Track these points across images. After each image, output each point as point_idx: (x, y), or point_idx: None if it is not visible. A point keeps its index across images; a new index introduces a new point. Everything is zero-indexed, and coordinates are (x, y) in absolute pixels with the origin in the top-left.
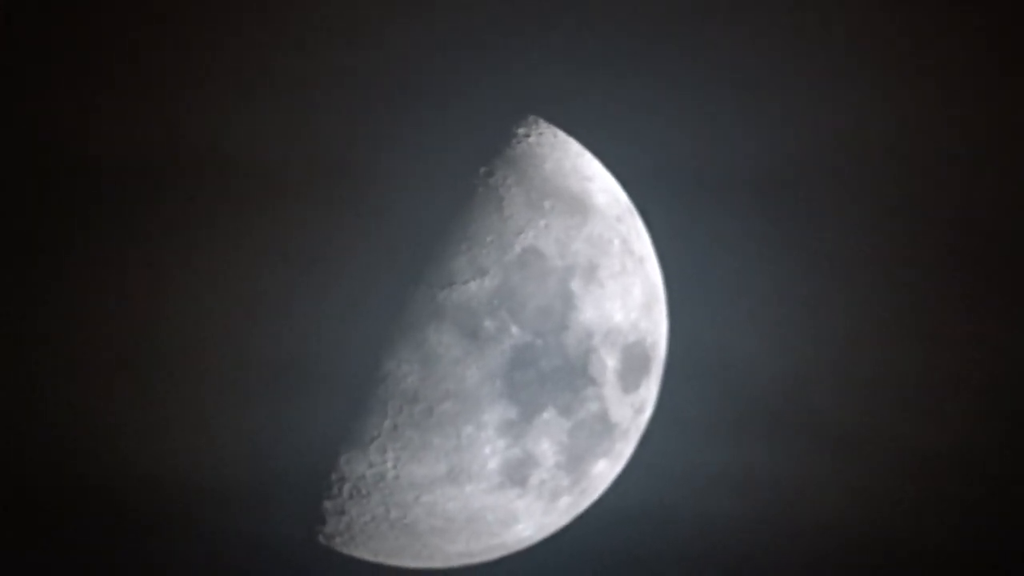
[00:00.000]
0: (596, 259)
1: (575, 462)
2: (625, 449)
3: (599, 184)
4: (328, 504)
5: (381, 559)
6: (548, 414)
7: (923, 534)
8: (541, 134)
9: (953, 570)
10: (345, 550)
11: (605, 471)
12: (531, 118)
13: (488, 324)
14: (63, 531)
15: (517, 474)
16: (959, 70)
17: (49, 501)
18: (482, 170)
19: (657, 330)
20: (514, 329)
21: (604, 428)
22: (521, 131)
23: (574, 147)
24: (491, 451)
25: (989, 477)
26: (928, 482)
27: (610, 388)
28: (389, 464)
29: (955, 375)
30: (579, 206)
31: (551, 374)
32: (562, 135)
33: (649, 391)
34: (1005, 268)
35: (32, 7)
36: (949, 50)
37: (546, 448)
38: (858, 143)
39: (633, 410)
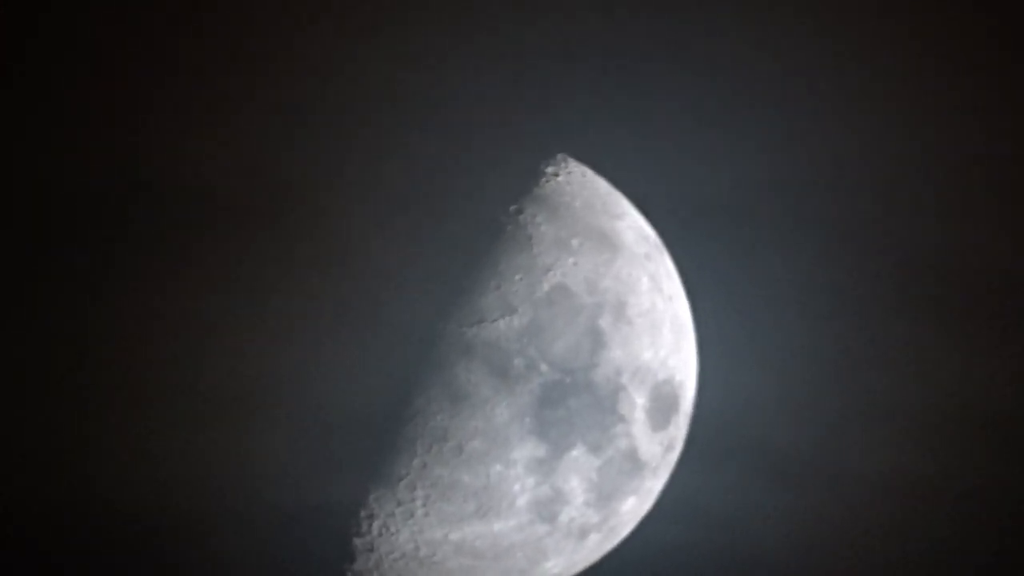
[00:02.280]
0: (625, 297)
1: (604, 500)
2: (655, 487)
3: (628, 222)
4: (358, 541)
5: None
6: (577, 451)
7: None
8: (570, 172)
9: None
10: None
11: (634, 508)
12: (560, 156)
13: (517, 362)
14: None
15: (546, 511)
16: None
17: (55, 520)
18: (512, 208)
19: (686, 368)
20: (543, 367)
21: (633, 466)
22: (550, 170)
23: (603, 185)
24: (520, 488)
25: (927, 501)
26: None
27: (639, 426)
28: (418, 502)
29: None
30: (608, 244)
31: (580, 412)
32: (591, 173)
33: (679, 429)
34: (946, 296)
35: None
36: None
37: (575, 485)
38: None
39: (663, 448)
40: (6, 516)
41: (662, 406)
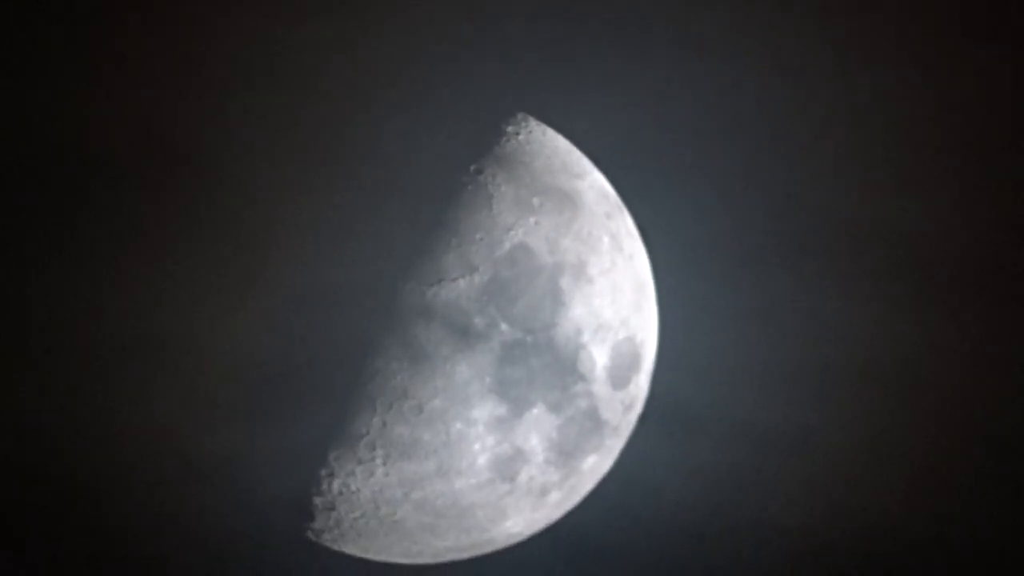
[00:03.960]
0: (586, 256)
1: (564, 458)
2: (615, 445)
3: (588, 181)
4: (318, 500)
5: (370, 555)
6: (537, 410)
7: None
8: (531, 132)
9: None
10: (334, 546)
11: (595, 467)
12: (520, 115)
13: (478, 321)
14: (45, 526)
15: (506, 470)
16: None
17: (38, 498)
18: (472, 168)
19: (647, 327)
20: (503, 326)
21: (594, 425)
22: (511, 129)
23: (563, 144)
24: (480, 447)
25: (829, 456)
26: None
27: (600, 385)
28: (379, 461)
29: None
30: (568, 203)
31: (540, 371)
32: (551, 132)
33: (639, 388)
34: (850, 260)
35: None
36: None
37: (535, 444)
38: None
39: (623, 407)
40: None
41: (623, 365)
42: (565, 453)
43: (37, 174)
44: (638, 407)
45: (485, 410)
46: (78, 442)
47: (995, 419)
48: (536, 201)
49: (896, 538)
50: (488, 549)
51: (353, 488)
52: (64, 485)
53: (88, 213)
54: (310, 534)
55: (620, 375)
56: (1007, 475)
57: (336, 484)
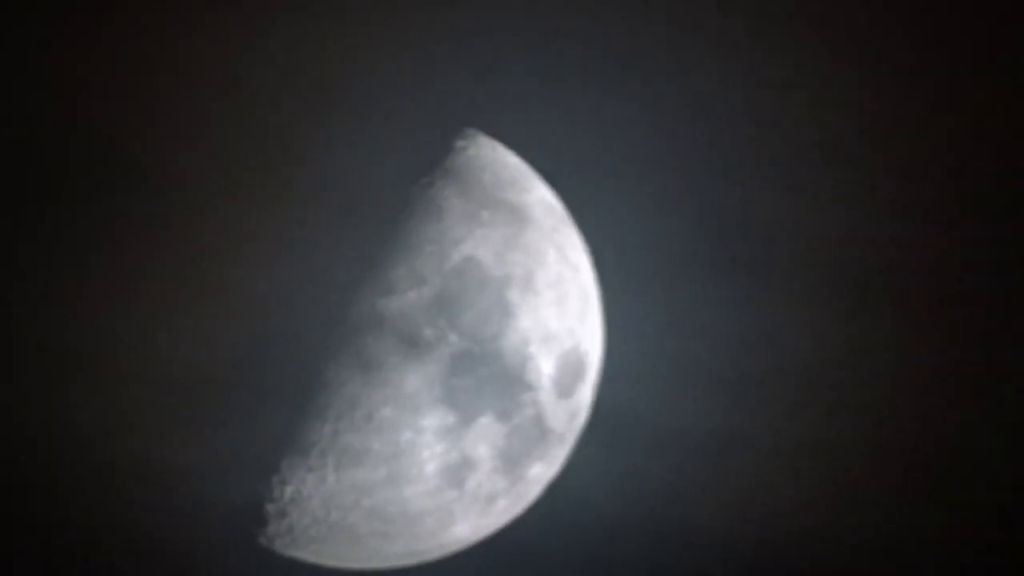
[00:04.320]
0: (532, 268)
1: (511, 466)
2: (560, 453)
3: (536, 195)
4: (270, 507)
5: (323, 561)
6: (485, 419)
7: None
8: (480, 147)
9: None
10: (287, 552)
11: (541, 474)
12: (470, 131)
13: (427, 332)
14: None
15: (455, 477)
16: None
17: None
18: (422, 181)
19: (592, 337)
20: (452, 337)
21: (540, 433)
22: (460, 144)
23: (511, 159)
24: (429, 455)
25: (766, 460)
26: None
27: (546, 394)
28: (330, 468)
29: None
30: (516, 216)
31: (488, 380)
32: (500, 147)
33: (584, 397)
34: (784, 271)
35: None
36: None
37: (483, 452)
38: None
39: (568, 415)
40: None
41: (568, 374)
42: (512, 461)
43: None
44: (583, 415)
45: (434, 419)
46: (26, 448)
47: (935, 425)
48: (484, 214)
49: (833, 540)
50: (438, 554)
51: (305, 495)
52: (12, 493)
53: (52, 222)
54: (263, 540)
55: (566, 384)
56: (943, 478)
57: (288, 491)
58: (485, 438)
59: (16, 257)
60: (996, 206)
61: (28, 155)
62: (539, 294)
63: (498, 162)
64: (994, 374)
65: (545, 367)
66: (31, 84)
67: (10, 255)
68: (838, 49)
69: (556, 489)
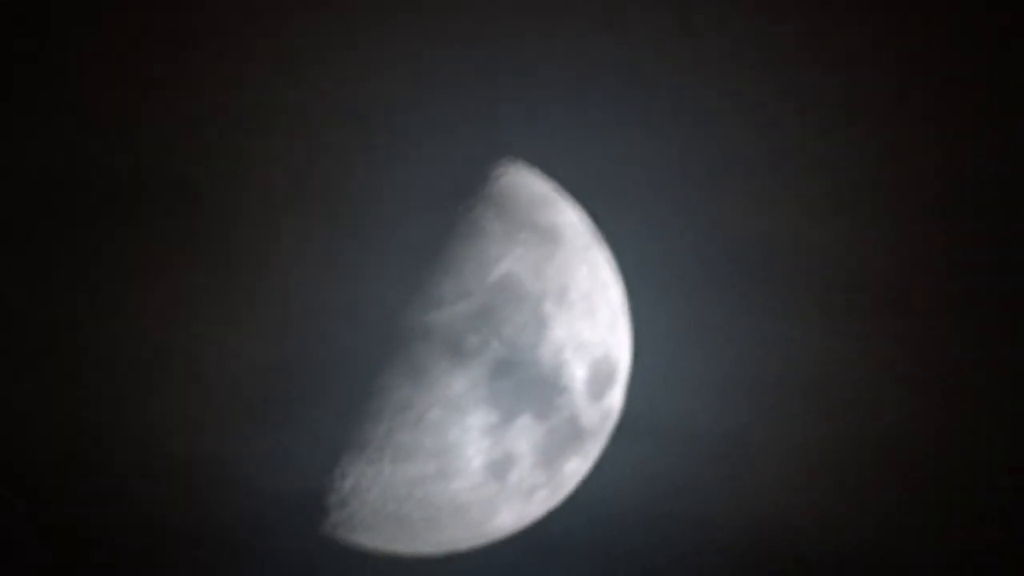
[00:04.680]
0: (566, 283)
1: (549, 461)
2: (594, 449)
3: (568, 217)
4: (332, 498)
5: (379, 546)
6: (525, 419)
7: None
8: (515, 174)
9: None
10: (346, 539)
11: (577, 469)
12: (506, 159)
13: (471, 340)
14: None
15: (498, 472)
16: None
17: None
18: (464, 205)
19: (620, 346)
20: (494, 344)
21: (575, 431)
22: (498, 171)
23: (546, 186)
24: (475, 451)
25: (778, 462)
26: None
27: (580, 396)
28: (385, 463)
29: None
30: (550, 237)
31: (527, 384)
32: (534, 174)
33: (615, 399)
34: (794, 282)
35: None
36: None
37: (524, 449)
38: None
39: (601, 415)
40: None
41: (600, 379)
42: (550, 457)
43: (47, 197)
44: (614, 416)
45: (478, 418)
46: (102, 443)
47: (939, 425)
48: (522, 235)
49: (845, 536)
50: (482, 542)
51: (363, 487)
52: (89, 486)
53: (131, 233)
54: (325, 528)
55: (598, 388)
56: (947, 479)
57: (348, 483)
58: (525, 436)
59: (91, 262)
60: (994, 212)
61: (107, 171)
62: (572, 307)
63: (533, 188)
64: (994, 376)
65: (579, 372)
66: (95, 106)
67: (84, 262)
68: (852, 63)
69: (590, 483)
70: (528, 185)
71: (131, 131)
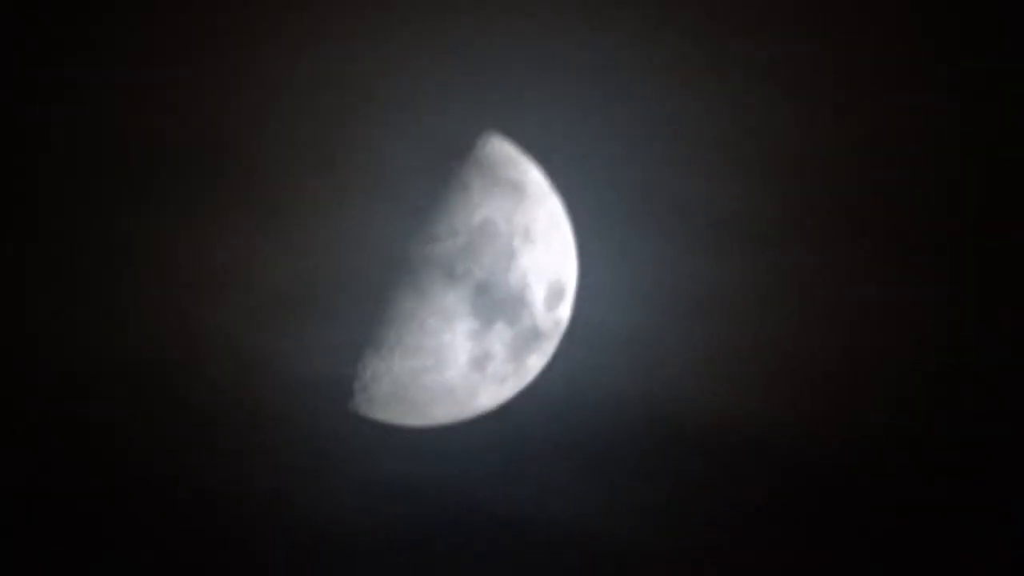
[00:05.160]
0: (529, 225)
1: (516, 357)
2: (549, 348)
3: (531, 176)
4: (356, 384)
5: (390, 420)
6: (499, 325)
7: None
8: (492, 143)
9: None
10: (366, 415)
11: (536, 363)
12: (486, 131)
13: (459, 267)
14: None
15: (479, 365)
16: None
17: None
18: (453, 165)
19: (569, 272)
20: (476, 271)
21: (535, 334)
22: (479, 140)
23: (516, 151)
24: (461, 350)
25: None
26: None
27: (538, 309)
28: (396, 358)
29: None
30: (518, 190)
31: (500, 300)
32: (509, 143)
33: (565, 310)
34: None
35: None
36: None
37: (498, 348)
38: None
39: (554, 323)
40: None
41: (554, 296)
42: (517, 354)
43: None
44: (564, 323)
45: (464, 325)
46: (184, 346)
47: (807, 335)
48: (496, 189)
49: (739, 420)
50: (467, 416)
51: (379, 375)
52: (175, 379)
53: (183, 180)
54: (351, 406)
55: (552, 302)
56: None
57: (368, 373)
58: (498, 338)
59: (169, 198)
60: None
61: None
62: (534, 242)
63: (505, 153)
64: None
65: (538, 291)
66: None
67: (162, 200)
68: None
69: (546, 373)
70: (501, 151)
71: (185, 103)
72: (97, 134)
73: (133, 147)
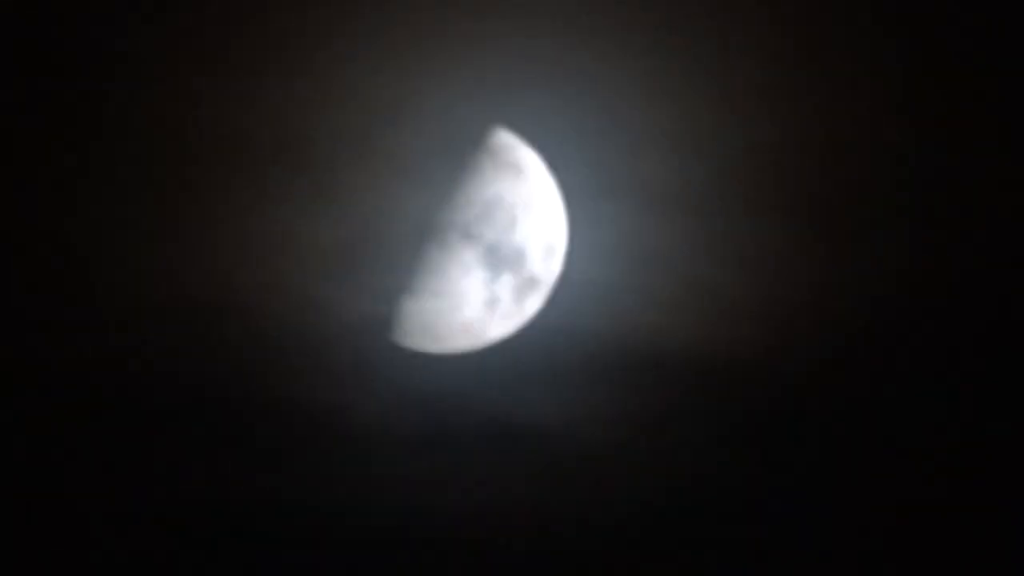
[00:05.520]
0: (529, 198)
1: (519, 300)
2: (544, 292)
3: (530, 159)
4: (393, 320)
5: (422, 348)
6: (505, 276)
7: None
8: (505, 136)
9: None
10: (401, 343)
11: (534, 304)
12: (497, 125)
13: (474, 231)
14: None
15: (490, 306)
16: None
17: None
18: (468, 151)
19: (560, 235)
20: (488, 233)
21: (533, 282)
22: (490, 133)
23: (519, 142)
24: (476, 294)
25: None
26: None
27: (536, 261)
28: (425, 299)
29: None
30: (519, 170)
31: (506, 257)
32: (511, 134)
33: (557, 263)
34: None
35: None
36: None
37: (504, 293)
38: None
39: (548, 272)
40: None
41: (548, 252)
42: (520, 297)
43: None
44: (556, 271)
45: (478, 275)
46: (240, 297)
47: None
48: (503, 170)
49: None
50: (480, 344)
51: (412, 314)
52: (233, 323)
53: (238, 165)
54: (389, 336)
55: (547, 256)
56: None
57: (403, 311)
58: (505, 285)
59: (221, 184)
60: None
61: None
62: (533, 212)
63: (509, 142)
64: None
65: (536, 248)
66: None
67: (253, 192)
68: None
69: (542, 313)
70: (506, 140)
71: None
72: (183, 126)
73: (216, 137)
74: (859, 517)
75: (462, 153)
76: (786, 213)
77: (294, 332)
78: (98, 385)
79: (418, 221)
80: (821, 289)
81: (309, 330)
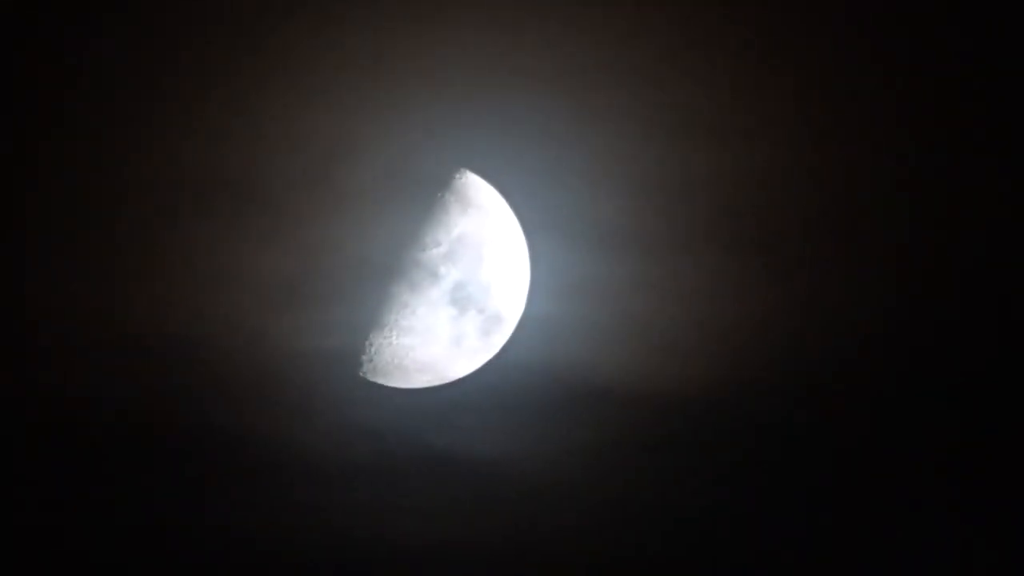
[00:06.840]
0: (495, 238)
1: (485, 336)
2: (509, 329)
3: (495, 201)
4: (363, 356)
5: (390, 383)
6: (471, 313)
7: None
8: (465, 176)
9: None
10: (371, 379)
11: (498, 340)
12: (463, 169)
13: (442, 270)
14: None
15: (457, 342)
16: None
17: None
18: (438, 194)
19: (524, 270)
20: (454, 272)
21: (499, 319)
22: (457, 175)
23: (482, 182)
24: (444, 331)
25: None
26: None
27: (501, 299)
28: (394, 336)
29: None
30: (484, 211)
31: (473, 294)
32: (477, 177)
33: (519, 303)
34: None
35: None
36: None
37: (470, 329)
38: None
39: (511, 310)
40: None
41: (511, 292)
42: (486, 333)
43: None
44: (521, 308)
45: (446, 312)
46: (201, 322)
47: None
48: (470, 211)
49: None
50: (449, 379)
51: (381, 350)
52: (219, 358)
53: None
54: (360, 373)
55: (511, 295)
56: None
57: (372, 347)
58: (471, 322)
59: (227, 224)
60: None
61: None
62: (498, 250)
63: (476, 184)
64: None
65: (500, 289)
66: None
67: (220, 225)
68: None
69: (506, 348)
70: (472, 183)
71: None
72: (153, 165)
73: (182, 175)
74: (802, 544)
75: (431, 195)
76: (733, 248)
77: (266, 367)
78: (46, 420)
79: (390, 260)
80: (769, 324)
81: (281, 366)
